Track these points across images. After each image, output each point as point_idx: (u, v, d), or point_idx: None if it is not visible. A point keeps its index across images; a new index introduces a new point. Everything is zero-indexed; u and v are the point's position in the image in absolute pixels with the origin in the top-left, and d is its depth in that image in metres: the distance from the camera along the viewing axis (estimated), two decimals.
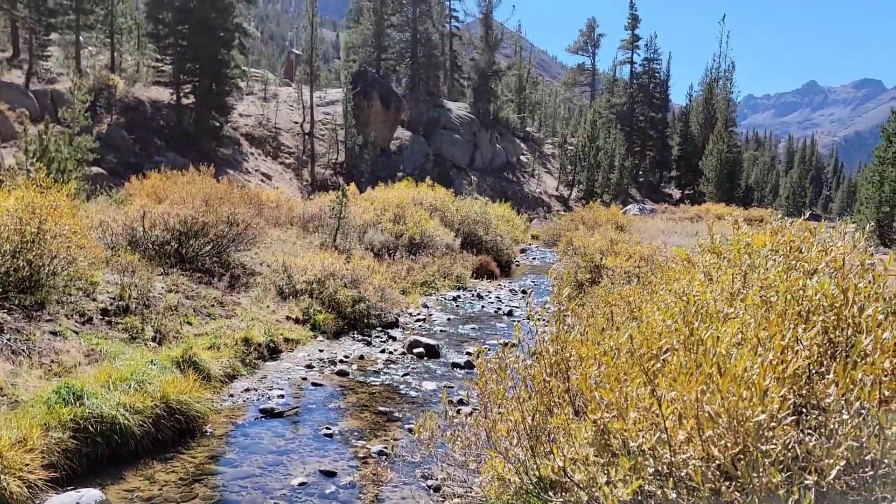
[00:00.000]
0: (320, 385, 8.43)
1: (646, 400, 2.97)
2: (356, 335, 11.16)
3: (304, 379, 8.60)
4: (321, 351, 9.98)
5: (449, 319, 13.07)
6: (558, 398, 4.06)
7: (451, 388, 8.51)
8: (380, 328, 11.69)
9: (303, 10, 46.16)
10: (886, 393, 2.44)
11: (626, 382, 3.22)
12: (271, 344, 9.48)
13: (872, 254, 4.17)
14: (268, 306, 10.69)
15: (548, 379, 4.21)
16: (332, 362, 9.43)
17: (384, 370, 9.31)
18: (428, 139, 45.74)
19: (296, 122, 38.12)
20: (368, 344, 10.74)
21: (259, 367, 8.86)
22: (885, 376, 2.31)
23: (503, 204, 30.01)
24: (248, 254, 12.66)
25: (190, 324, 8.97)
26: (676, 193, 64.81)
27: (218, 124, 31.04)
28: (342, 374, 8.95)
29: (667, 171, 67.29)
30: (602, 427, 3.41)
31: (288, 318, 10.62)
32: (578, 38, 74.46)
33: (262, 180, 30.68)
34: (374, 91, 39.28)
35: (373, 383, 8.69)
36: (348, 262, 12.80)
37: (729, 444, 2.49)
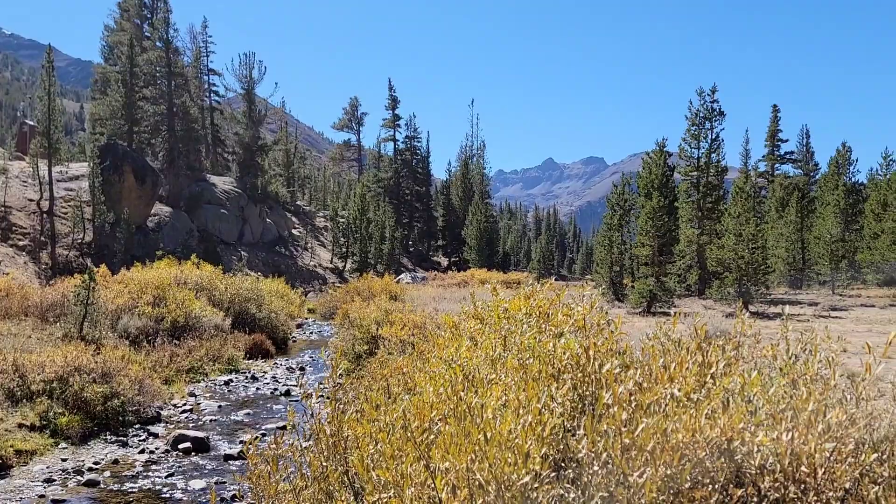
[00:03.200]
0: (63, 501, 7.24)
1: (421, 475, 2.98)
2: (109, 436, 9.85)
3: (42, 496, 7.33)
4: (64, 460, 8.62)
5: (220, 407, 12.15)
6: (336, 482, 3.91)
7: (224, 483, 7.84)
8: (139, 425, 10.47)
9: (38, 78, 41.77)
10: (627, 441, 2.71)
11: (401, 459, 3.21)
12: None
13: (607, 312, 4.72)
14: None
15: (325, 463, 4.06)
16: (79, 472, 8.19)
17: (144, 473, 8.29)
18: (191, 215, 43.32)
19: (31, 200, 33.74)
20: (125, 445, 9.54)
21: None
22: (624, 426, 2.57)
23: (277, 279, 29.20)
24: None
25: None
26: (444, 261, 68.57)
27: None
28: (91, 484, 7.79)
29: (434, 240, 71.08)
30: None
31: (21, 425, 9.06)
32: (343, 116, 77.01)
33: None
34: (126, 165, 36.42)
35: (130, 490, 7.68)
36: (98, 353, 11.38)
37: None
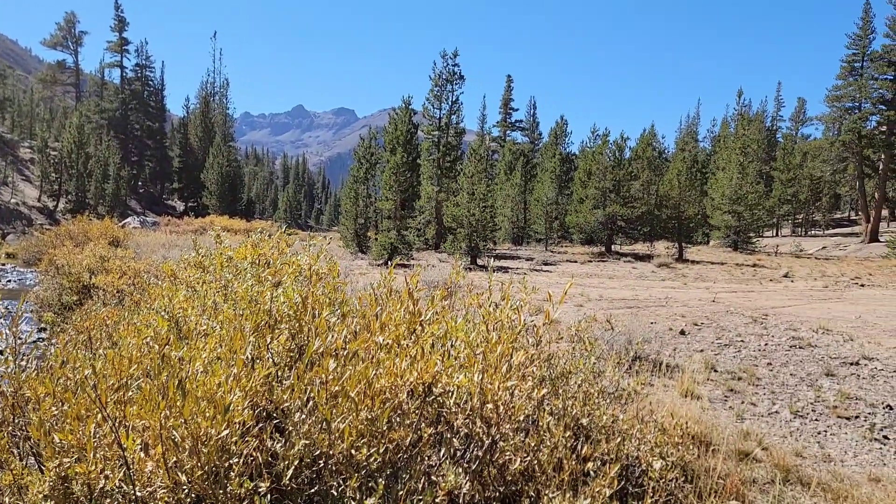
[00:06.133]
0: None
1: (109, 435, 2.69)
2: None
3: None
4: None
5: None
6: (6, 449, 3.40)
7: None
8: None
9: None
10: (336, 389, 2.73)
11: (88, 420, 2.87)
12: None
13: (336, 262, 4.71)
14: None
15: None
16: None
17: None
18: None
19: None
20: None
21: None
22: (331, 376, 2.56)
23: None
24: None
25: None
26: (181, 206, 63.62)
27: None
28: None
29: (169, 182, 65.44)
30: (64, 474, 2.98)
31: None
32: (56, 32, 66.36)
33: None
34: None
35: None
36: None
37: (195, 467, 2.42)
